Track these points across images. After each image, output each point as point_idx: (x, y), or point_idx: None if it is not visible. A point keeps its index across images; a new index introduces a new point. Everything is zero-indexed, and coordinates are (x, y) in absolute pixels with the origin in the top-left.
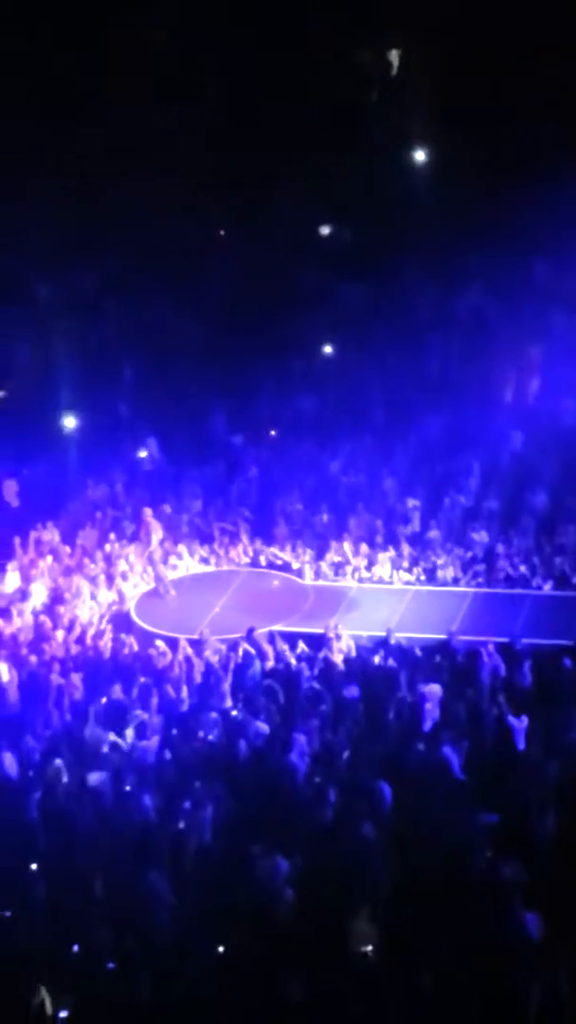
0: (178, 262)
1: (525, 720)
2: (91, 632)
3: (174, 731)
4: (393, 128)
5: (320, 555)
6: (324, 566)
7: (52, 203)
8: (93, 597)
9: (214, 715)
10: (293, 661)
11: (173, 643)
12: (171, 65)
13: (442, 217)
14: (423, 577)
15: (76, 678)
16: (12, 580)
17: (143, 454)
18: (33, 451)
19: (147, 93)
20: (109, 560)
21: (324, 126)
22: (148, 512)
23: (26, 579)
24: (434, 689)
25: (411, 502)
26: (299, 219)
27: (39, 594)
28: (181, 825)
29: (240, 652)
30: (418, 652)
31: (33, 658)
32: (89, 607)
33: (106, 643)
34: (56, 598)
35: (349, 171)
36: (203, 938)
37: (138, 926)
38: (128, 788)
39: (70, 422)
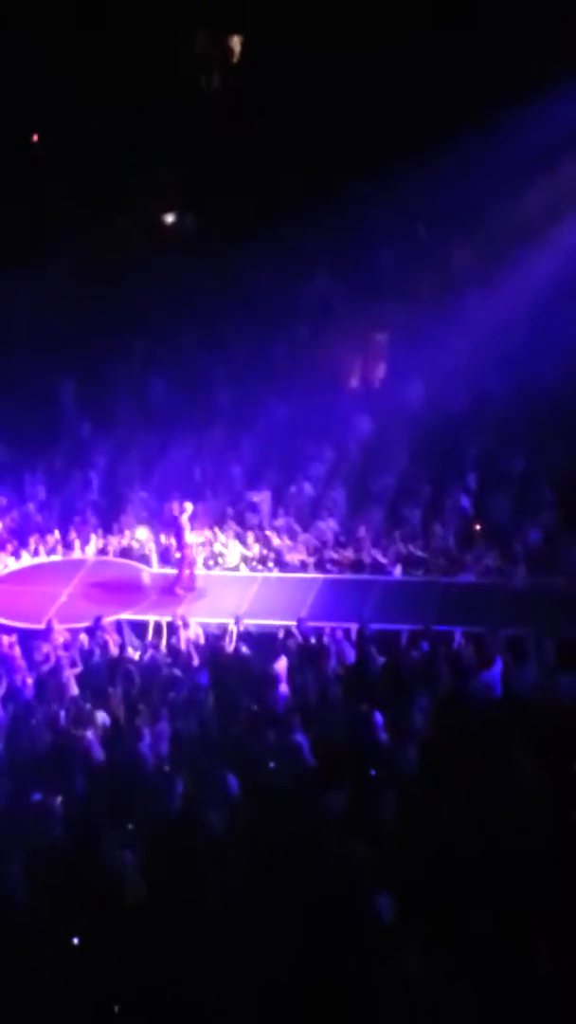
0: (16, 246)
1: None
2: None
3: (21, 722)
4: (238, 113)
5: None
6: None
7: None
8: None
9: (57, 706)
10: (141, 649)
11: (19, 633)
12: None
13: (287, 205)
14: (271, 564)
15: None
16: None
17: None
18: None
19: None
20: None
21: (169, 112)
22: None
23: None
24: (280, 664)
25: (259, 495)
26: (145, 202)
27: None
28: (31, 816)
29: (87, 641)
30: (269, 637)
31: None
32: None
33: None
34: None
35: (192, 156)
36: (56, 929)
37: None
38: None
39: None
